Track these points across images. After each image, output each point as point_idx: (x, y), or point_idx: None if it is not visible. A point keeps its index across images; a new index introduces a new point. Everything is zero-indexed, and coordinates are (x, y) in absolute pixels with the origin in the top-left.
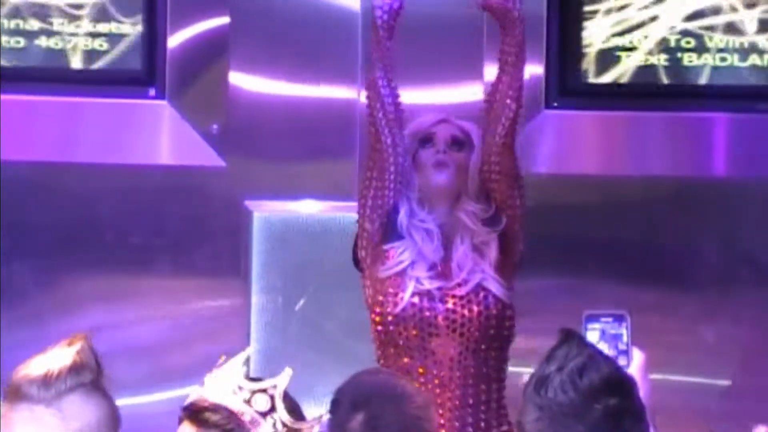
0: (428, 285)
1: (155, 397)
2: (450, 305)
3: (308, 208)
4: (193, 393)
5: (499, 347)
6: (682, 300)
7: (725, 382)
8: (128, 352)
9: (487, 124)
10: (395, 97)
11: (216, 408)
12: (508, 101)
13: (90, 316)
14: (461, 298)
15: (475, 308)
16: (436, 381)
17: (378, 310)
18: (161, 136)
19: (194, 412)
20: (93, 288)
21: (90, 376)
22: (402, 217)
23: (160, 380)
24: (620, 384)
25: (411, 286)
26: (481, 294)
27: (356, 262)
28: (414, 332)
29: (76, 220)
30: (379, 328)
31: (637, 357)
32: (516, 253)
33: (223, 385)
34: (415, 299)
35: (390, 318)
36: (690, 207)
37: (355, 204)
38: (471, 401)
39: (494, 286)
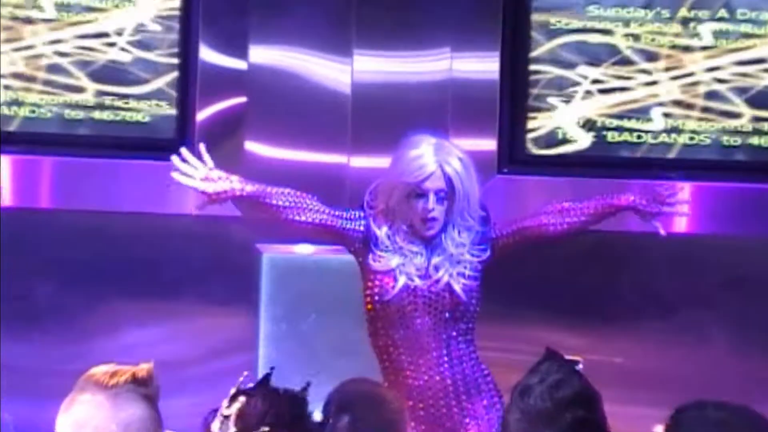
0: (418, 282)
1: (174, 403)
2: (426, 294)
3: (306, 250)
4: None
5: (465, 319)
6: (604, 331)
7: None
8: (156, 366)
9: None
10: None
11: None
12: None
13: (125, 335)
14: (435, 292)
15: (447, 296)
16: (416, 346)
17: (375, 293)
18: (189, 190)
19: None
20: (129, 313)
21: (143, 390)
22: (389, 235)
23: (181, 389)
24: (588, 399)
25: (402, 281)
26: (448, 289)
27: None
28: (398, 313)
29: (118, 257)
30: (370, 307)
31: None
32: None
33: None
34: (402, 290)
35: (381, 302)
36: (609, 256)
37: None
38: (446, 359)
39: (458, 287)
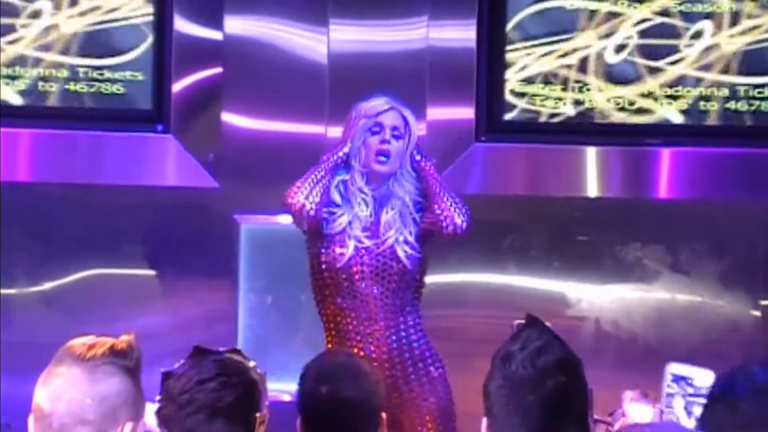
0: (366, 243)
1: (156, 375)
2: (374, 263)
3: (284, 220)
4: None
5: (412, 288)
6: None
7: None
8: (136, 337)
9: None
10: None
11: None
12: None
13: (107, 307)
14: (382, 261)
15: (395, 265)
16: (364, 315)
17: (323, 261)
18: (167, 162)
19: None
20: (110, 284)
21: (123, 362)
22: (340, 185)
23: (161, 362)
24: (570, 365)
25: (351, 246)
26: (395, 258)
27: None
28: (347, 280)
29: (98, 229)
30: (317, 275)
31: None
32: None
33: None
34: (353, 254)
35: (329, 270)
36: (587, 219)
37: None
38: (393, 331)
39: (402, 254)
